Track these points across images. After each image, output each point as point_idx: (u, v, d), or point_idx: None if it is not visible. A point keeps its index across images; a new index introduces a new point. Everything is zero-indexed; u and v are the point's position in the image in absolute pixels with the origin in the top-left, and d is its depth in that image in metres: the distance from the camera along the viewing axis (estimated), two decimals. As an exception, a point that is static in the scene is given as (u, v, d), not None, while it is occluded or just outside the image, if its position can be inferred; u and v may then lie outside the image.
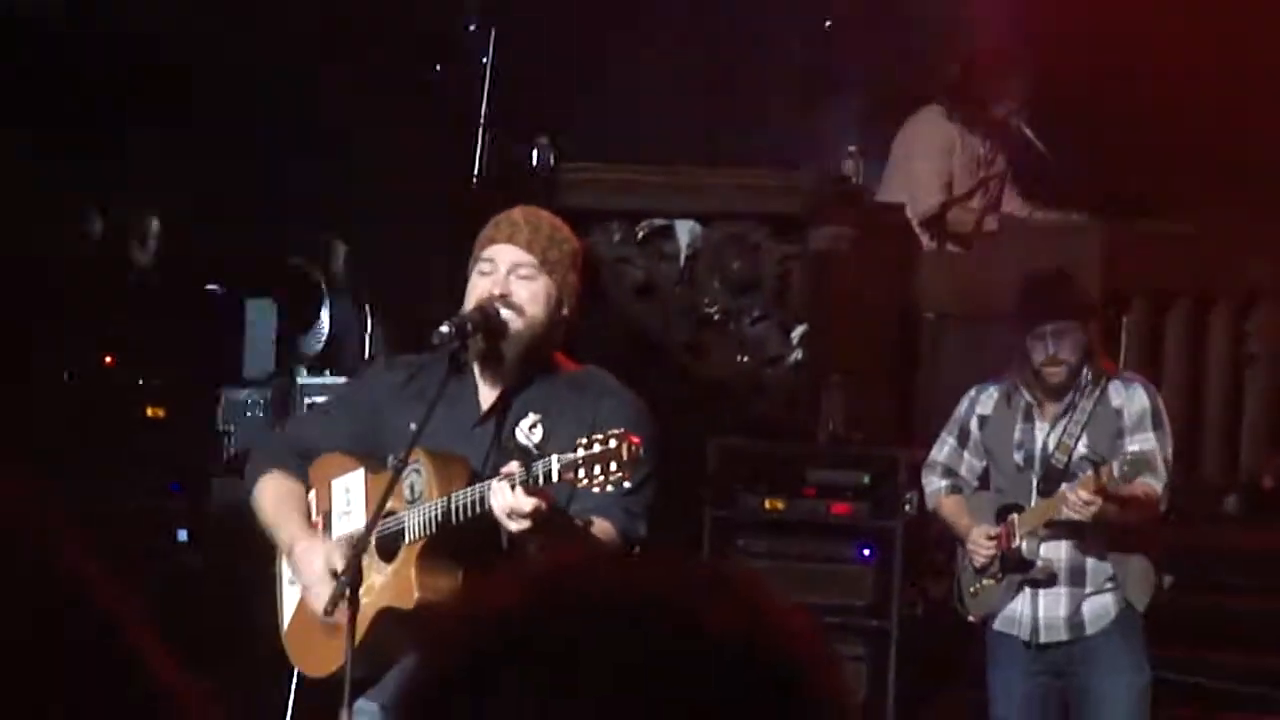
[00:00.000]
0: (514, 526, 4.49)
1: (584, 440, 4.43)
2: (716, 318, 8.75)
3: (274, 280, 8.43)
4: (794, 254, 8.75)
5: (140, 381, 8.14)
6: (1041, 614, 6.49)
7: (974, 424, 6.72)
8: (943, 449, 6.81)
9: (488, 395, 4.93)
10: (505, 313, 4.85)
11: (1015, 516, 6.51)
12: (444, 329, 4.80)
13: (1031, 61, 9.22)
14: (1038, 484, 6.52)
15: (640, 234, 8.79)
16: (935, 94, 9.44)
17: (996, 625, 6.59)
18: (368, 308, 8.29)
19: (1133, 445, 6.40)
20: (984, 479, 6.74)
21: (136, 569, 6.55)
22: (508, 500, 4.49)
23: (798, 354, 8.67)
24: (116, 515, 7.48)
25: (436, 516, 4.70)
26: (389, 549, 4.83)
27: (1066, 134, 9.15)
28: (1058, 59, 9.09)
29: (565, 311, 4.94)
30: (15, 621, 1.40)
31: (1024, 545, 6.49)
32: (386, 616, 4.78)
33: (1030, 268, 6.95)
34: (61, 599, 1.43)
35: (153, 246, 8.17)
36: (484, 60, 8.48)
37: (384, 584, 4.83)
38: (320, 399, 6.92)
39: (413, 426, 4.76)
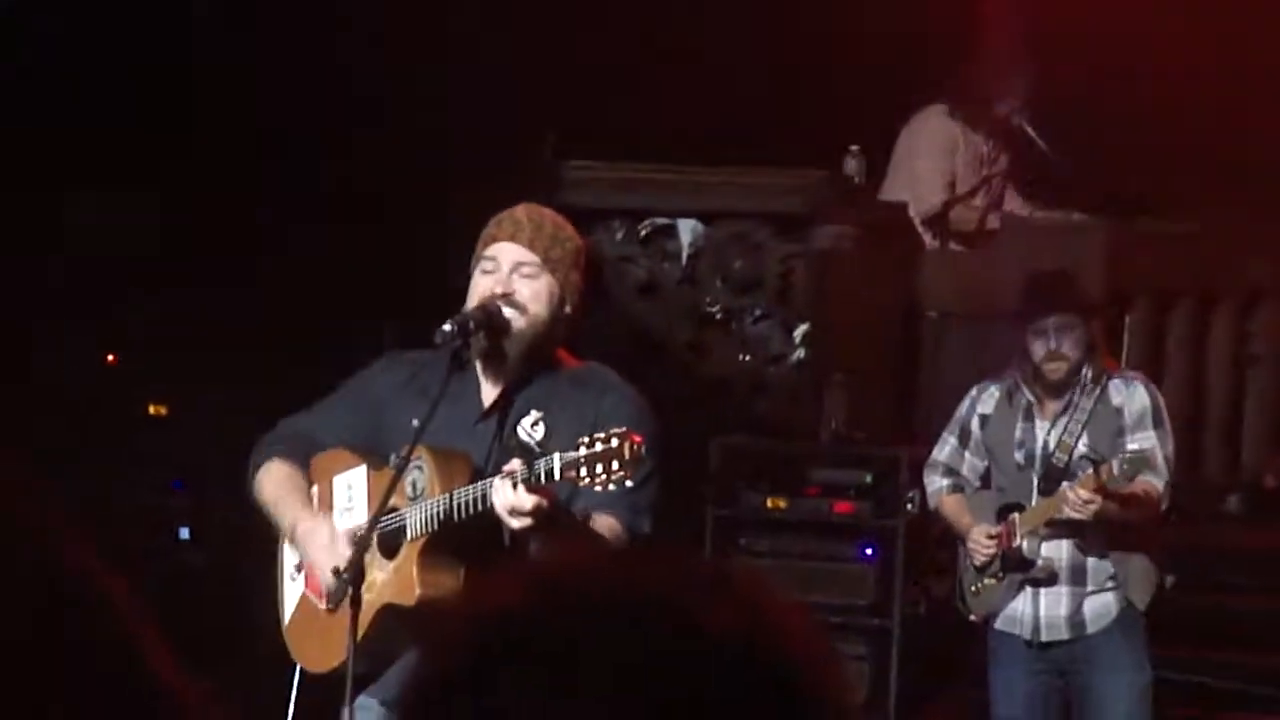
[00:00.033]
0: (516, 524, 4.49)
1: (586, 439, 4.43)
2: (719, 316, 8.75)
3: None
4: (796, 253, 8.75)
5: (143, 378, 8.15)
6: (1043, 613, 6.48)
7: (975, 423, 6.71)
8: (944, 448, 6.80)
9: (490, 392, 4.93)
10: (508, 311, 4.85)
11: (1016, 515, 6.51)
12: (446, 327, 4.80)
13: (1033, 61, 9.22)
14: (1038, 483, 6.52)
15: (643, 232, 8.79)
16: (938, 93, 9.44)
17: (998, 624, 6.59)
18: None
19: (1133, 444, 6.39)
20: (985, 478, 6.73)
21: (137, 567, 6.54)
22: (509, 498, 4.49)
23: (800, 353, 8.66)
24: (118, 513, 7.48)
25: (438, 514, 4.70)
26: (391, 546, 4.83)
27: (1068, 133, 9.15)
28: (1059, 59, 9.08)
29: (568, 310, 4.93)
30: (15, 621, 1.40)
31: (1025, 544, 6.48)
32: (388, 613, 4.78)
33: (1033, 267, 6.96)
34: (61, 599, 1.43)
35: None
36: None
37: (386, 581, 4.83)
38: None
39: (415, 423, 4.76)
